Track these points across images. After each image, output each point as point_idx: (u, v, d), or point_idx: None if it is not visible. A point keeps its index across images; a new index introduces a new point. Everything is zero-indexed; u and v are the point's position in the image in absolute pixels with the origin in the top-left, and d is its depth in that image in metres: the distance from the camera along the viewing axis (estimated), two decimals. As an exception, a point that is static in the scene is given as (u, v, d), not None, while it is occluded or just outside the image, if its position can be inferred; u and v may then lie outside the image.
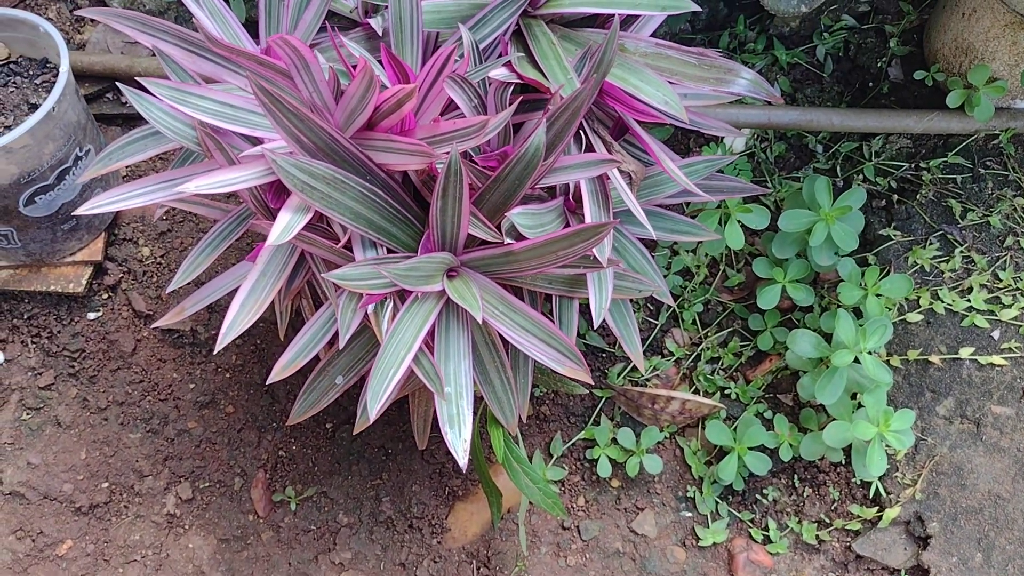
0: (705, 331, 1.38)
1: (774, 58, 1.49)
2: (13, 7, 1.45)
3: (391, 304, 0.94)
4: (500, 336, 0.98)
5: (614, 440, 1.30)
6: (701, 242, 1.31)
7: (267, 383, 0.97)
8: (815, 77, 1.49)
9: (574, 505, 1.30)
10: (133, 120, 1.43)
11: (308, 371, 1.26)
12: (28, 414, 1.31)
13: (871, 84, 1.48)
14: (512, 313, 0.93)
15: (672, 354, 1.37)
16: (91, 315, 1.34)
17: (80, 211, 0.91)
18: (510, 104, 0.91)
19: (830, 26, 1.50)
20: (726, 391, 1.35)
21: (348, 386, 1.07)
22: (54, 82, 1.23)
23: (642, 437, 1.28)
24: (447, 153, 0.84)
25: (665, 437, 1.32)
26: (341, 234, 0.94)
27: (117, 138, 1.26)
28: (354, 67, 0.96)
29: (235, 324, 0.92)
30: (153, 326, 1.02)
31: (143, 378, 1.33)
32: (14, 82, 1.23)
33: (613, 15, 1.02)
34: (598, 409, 1.33)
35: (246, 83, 0.99)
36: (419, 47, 0.98)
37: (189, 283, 1.02)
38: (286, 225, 0.87)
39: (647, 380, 1.35)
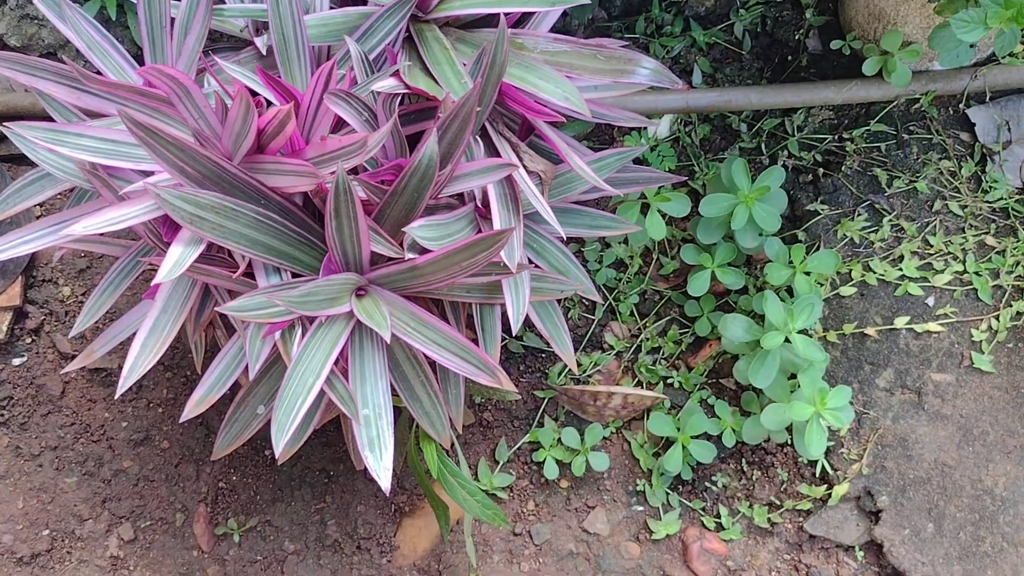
0: (643, 322, 1.36)
1: (692, 39, 1.48)
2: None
3: (299, 330, 0.92)
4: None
5: (559, 440, 1.29)
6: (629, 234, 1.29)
7: (204, 416, 0.94)
8: (734, 55, 1.48)
9: (524, 510, 1.28)
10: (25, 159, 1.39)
11: (233, 394, 1.24)
12: (-41, 468, 1.28)
13: (790, 58, 1.46)
14: (423, 328, 0.91)
15: (612, 348, 1.35)
16: (16, 361, 1.31)
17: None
18: (397, 115, 0.89)
19: (746, 2, 1.48)
20: (668, 380, 1.33)
21: (269, 415, 1.04)
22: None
23: (586, 435, 1.27)
24: (334, 173, 0.82)
25: (611, 432, 1.31)
26: (241, 261, 0.92)
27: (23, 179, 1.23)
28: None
29: (137, 364, 0.90)
30: (66, 369, 0.99)
31: (75, 420, 1.30)
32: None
33: (507, 14, 1.00)
34: (541, 411, 1.32)
35: (137, 115, 0.96)
36: (307, 63, 0.96)
37: (97, 323, 0.99)
38: (177, 259, 0.85)
39: (588, 377, 1.33)
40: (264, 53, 0.96)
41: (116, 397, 0.87)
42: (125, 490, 1.28)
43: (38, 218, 1.38)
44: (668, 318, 1.36)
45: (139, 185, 0.86)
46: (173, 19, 0.97)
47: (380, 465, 0.90)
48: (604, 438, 1.30)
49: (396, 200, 0.89)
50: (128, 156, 0.90)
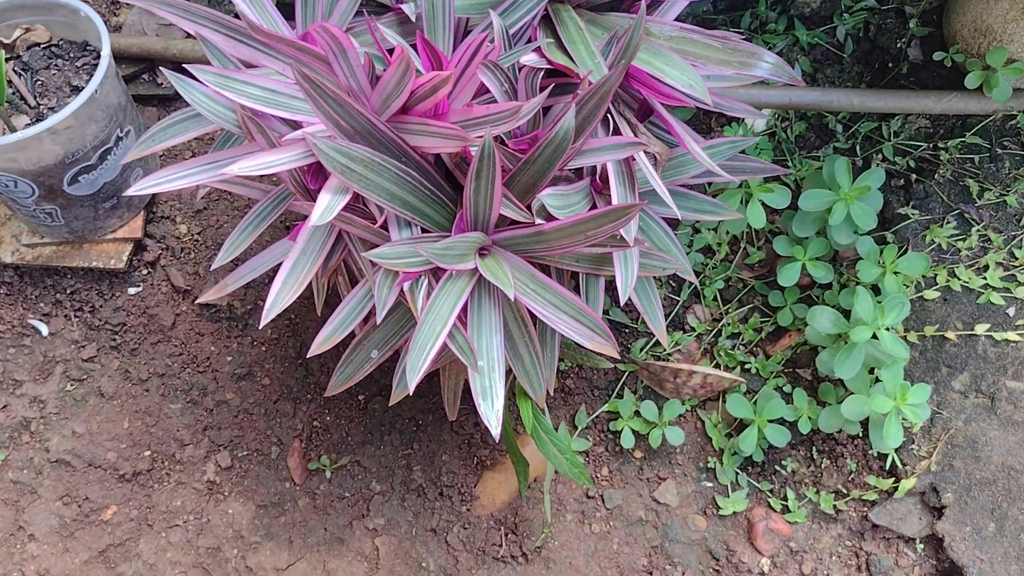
0: (726, 307, 1.41)
1: (795, 38, 1.52)
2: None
3: (426, 282, 0.98)
4: (528, 312, 1.02)
5: (636, 413, 1.35)
6: (722, 221, 1.34)
7: (305, 357, 1.01)
8: (835, 57, 1.52)
9: (598, 475, 1.35)
10: (168, 101, 1.47)
11: (343, 346, 1.31)
12: (72, 385, 1.36)
13: (891, 65, 1.50)
14: (542, 290, 0.97)
15: (693, 330, 1.40)
16: (131, 290, 1.39)
17: (132, 191, 0.95)
18: (541, 90, 0.94)
19: (850, 7, 1.52)
20: (746, 365, 1.38)
21: (382, 360, 1.11)
22: (95, 64, 1.28)
23: (664, 409, 1.33)
24: (481, 137, 0.88)
25: (686, 410, 1.36)
26: (377, 214, 0.98)
27: (153, 118, 1.31)
28: (390, 52, 1.00)
29: (278, 300, 0.96)
30: (197, 301, 1.06)
31: (182, 351, 1.38)
32: (56, 65, 1.27)
33: (640, 0, 1.05)
34: (621, 383, 1.38)
35: (283, 68, 1.02)
36: (451, 32, 1.02)
37: (229, 261, 1.06)
38: (327, 206, 0.91)
39: (669, 355, 1.39)
40: (413, 19, 1.02)
41: (259, 328, 0.93)
42: (225, 420, 1.36)
43: (161, 158, 1.45)
44: (750, 306, 1.41)
45: (298, 133, 0.92)
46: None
47: (492, 413, 0.96)
48: (680, 415, 1.35)
49: (528, 168, 0.95)
50: (284, 106, 0.96)
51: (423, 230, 0.99)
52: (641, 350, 1.38)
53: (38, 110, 1.22)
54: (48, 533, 1.30)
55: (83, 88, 1.25)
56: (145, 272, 1.39)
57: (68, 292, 1.38)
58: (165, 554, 1.29)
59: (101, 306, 1.37)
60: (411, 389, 0.90)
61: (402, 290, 0.98)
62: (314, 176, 1.01)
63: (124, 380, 1.37)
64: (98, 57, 1.28)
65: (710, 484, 1.34)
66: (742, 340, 1.40)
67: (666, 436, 1.32)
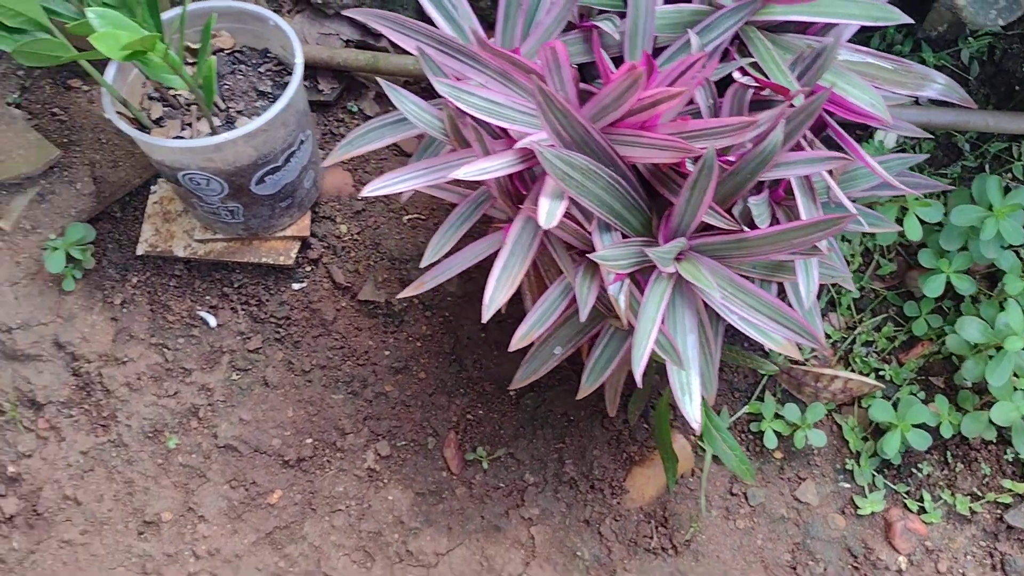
0: (860, 316, 1.47)
1: (921, 59, 1.57)
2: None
3: (624, 284, 1.05)
4: (708, 313, 1.09)
5: (776, 415, 1.41)
6: (867, 233, 1.40)
7: (510, 349, 1.07)
8: (961, 80, 1.57)
9: (739, 473, 1.41)
10: (327, 106, 1.54)
11: (495, 343, 1.38)
12: (238, 375, 1.44)
13: (1017, 88, 1.55)
14: (741, 293, 1.03)
15: (829, 337, 1.46)
16: (296, 285, 1.46)
17: (366, 192, 1.02)
18: (748, 106, 1.01)
19: (975, 31, 1.57)
20: (880, 372, 1.44)
21: (564, 356, 1.18)
22: (276, 71, 1.35)
23: (808, 412, 1.38)
24: (704, 148, 0.94)
25: (824, 414, 1.42)
26: (583, 219, 1.05)
27: (319, 124, 1.38)
28: (579, 67, 1.07)
29: (494, 298, 1.03)
30: (401, 294, 1.12)
31: (343, 344, 1.45)
32: (240, 70, 1.34)
33: (828, 24, 1.12)
34: (762, 386, 1.44)
35: (486, 80, 1.09)
36: (649, 50, 1.09)
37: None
38: (548, 210, 0.98)
39: (806, 360, 1.45)
40: (617, 37, 1.09)
41: (483, 321, 0.99)
42: (384, 411, 1.42)
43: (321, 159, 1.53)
44: (884, 315, 1.47)
45: (526, 142, 0.99)
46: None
47: (692, 408, 1.03)
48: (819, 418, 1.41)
49: (731, 179, 1.02)
50: (501, 116, 1.03)
51: (623, 235, 1.06)
52: (780, 354, 1.44)
53: (227, 113, 1.30)
54: (217, 515, 1.37)
55: (268, 93, 1.32)
56: (308, 269, 1.46)
57: (235, 286, 1.45)
58: (329, 537, 1.36)
59: (267, 300, 1.45)
60: (639, 382, 0.96)
61: (602, 290, 1.05)
62: (521, 182, 1.08)
63: (288, 371, 1.44)
64: (279, 64, 1.35)
65: (847, 485, 1.40)
66: (875, 348, 1.46)
67: (809, 438, 1.37)
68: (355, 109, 1.55)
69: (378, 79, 1.13)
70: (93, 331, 1.40)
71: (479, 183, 1.10)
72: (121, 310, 1.43)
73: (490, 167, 1.02)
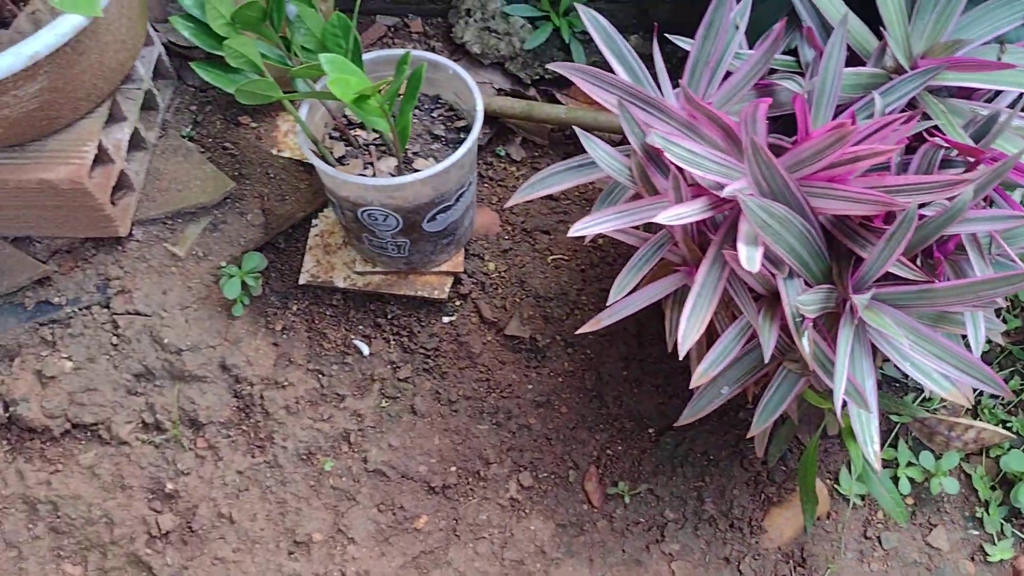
0: (986, 369, 1.52)
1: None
2: (368, 47, 1.65)
3: (808, 329, 1.10)
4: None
5: (908, 462, 1.45)
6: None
7: (691, 385, 1.13)
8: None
9: (873, 517, 1.45)
10: (478, 149, 1.61)
11: (632, 380, 1.43)
12: (388, 402, 1.49)
13: None
14: (924, 341, 1.09)
15: (957, 388, 1.51)
16: (446, 319, 1.52)
17: (574, 231, 1.09)
18: (939, 164, 1.07)
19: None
20: (1007, 424, 1.49)
21: (731, 396, 1.23)
22: (447, 116, 1.43)
23: (943, 460, 1.43)
24: (908, 203, 1.00)
25: (957, 462, 1.47)
26: (770, 266, 1.11)
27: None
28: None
29: (687, 335, 1.09)
30: (583, 329, 1.18)
31: (488, 377, 1.50)
32: (415, 114, 1.42)
33: (995, 90, 1.19)
34: (894, 433, 1.48)
35: (671, 131, 1.17)
36: (832, 108, 1.16)
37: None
38: (748, 255, 1.04)
39: (935, 410, 1.50)
40: (805, 96, 1.16)
41: (680, 358, 1.05)
42: (527, 443, 1.48)
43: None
44: (1010, 369, 1.52)
45: (731, 190, 1.06)
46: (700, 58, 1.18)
47: (872, 449, 1.08)
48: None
49: (918, 232, 1.08)
50: (699, 165, 1.10)
51: (805, 282, 1.12)
52: (913, 402, 1.49)
53: (404, 154, 1.37)
54: (366, 537, 1.42)
55: (441, 136, 1.39)
56: (458, 303, 1.53)
57: (389, 317, 1.51)
58: (473, 563, 1.41)
59: (418, 331, 1.51)
60: (840, 421, 1.02)
61: (782, 332, 1.11)
62: (709, 227, 1.15)
63: (435, 400, 1.49)
64: (450, 109, 1.43)
65: (976, 532, 1.44)
66: (1001, 399, 1.51)
67: (943, 485, 1.42)
68: (502, 153, 1.62)
69: (575, 128, 1.20)
70: (257, 355, 1.46)
71: (659, 228, 1.17)
72: (281, 336, 1.49)
73: (685, 212, 1.08)
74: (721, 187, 1.10)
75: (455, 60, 1.61)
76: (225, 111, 1.58)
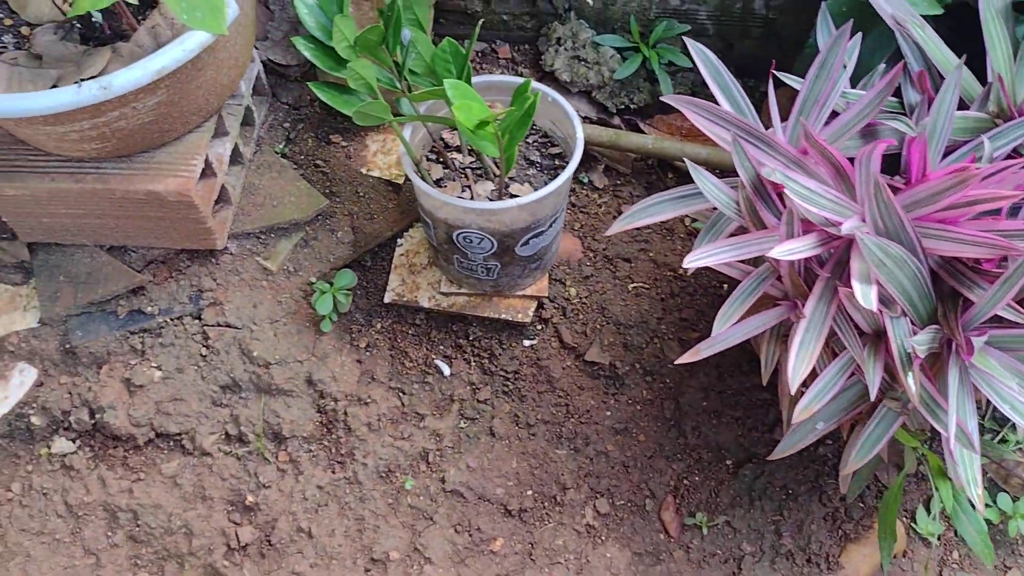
0: (1063, 413, 1.52)
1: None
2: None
3: (913, 367, 1.11)
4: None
5: (986, 504, 1.45)
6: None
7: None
8: None
9: (948, 557, 1.45)
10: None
11: (708, 411, 1.43)
12: (466, 423, 1.50)
13: None
14: (1030, 384, 1.10)
15: (1033, 431, 1.52)
16: (526, 342, 1.53)
17: (687, 263, 1.10)
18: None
19: None
20: (1084, 470, 1.49)
21: (826, 432, 1.24)
22: (542, 142, 1.44)
23: (1020, 503, 1.43)
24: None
25: (1031, 505, 1.47)
26: (880, 306, 1.12)
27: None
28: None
29: (796, 370, 1.10)
30: (680, 359, 1.19)
31: (567, 402, 1.51)
32: (505, 139, 1.44)
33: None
34: (972, 474, 1.49)
35: (779, 165, 1.18)
36: (942, 151, 1.17)
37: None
38: (864, 293, 1.05)
39: (1013, 451, 1.50)
40: (915, 136, 1.17)
41: (792, 392, 1.07)
42: (604, 470, 1.48)
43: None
44: (1087, 414, 1.52)
45: (848, 227, 1.07)
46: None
47: (975, 490, 1.08)
48: None
49: (1026, 276, 1.09)
50: (814, 202, 1.11)
51: (912, 321, 1.13)
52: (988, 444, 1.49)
53: (500, 178, 1.39)
54: (443, 557, 1.42)
55: (536, 162, 1.41)
56: (539, 327, 1.54)
57: (470, 338, 1.52)
58: (550, 588, 1.41)
59: (499, 354, 1.52)
60: (955, 459, 1.02)
61: (889, 369, 1.12)
62: (816, 263, 1.16)
63: (513, 423, 1.50)
64: (544, 136, 1.45)
65: (1053, 578, 1.44)
66: (1078, 445, 1.51)
67: (1021, 528, 1.42)
68: (585, 180, 1.64)
69: (684, 159, 1.22)
70: (342, 371, 1.47)
71: (760, 260, 1.18)
72: (365, 353, 1.50)
73: (797, 248, 1.09)
74: (831, 223, 1.11)
75: (542, 87, 1.63)
76: (317, 129, 1.60)
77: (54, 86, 1.15)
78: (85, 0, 1.11)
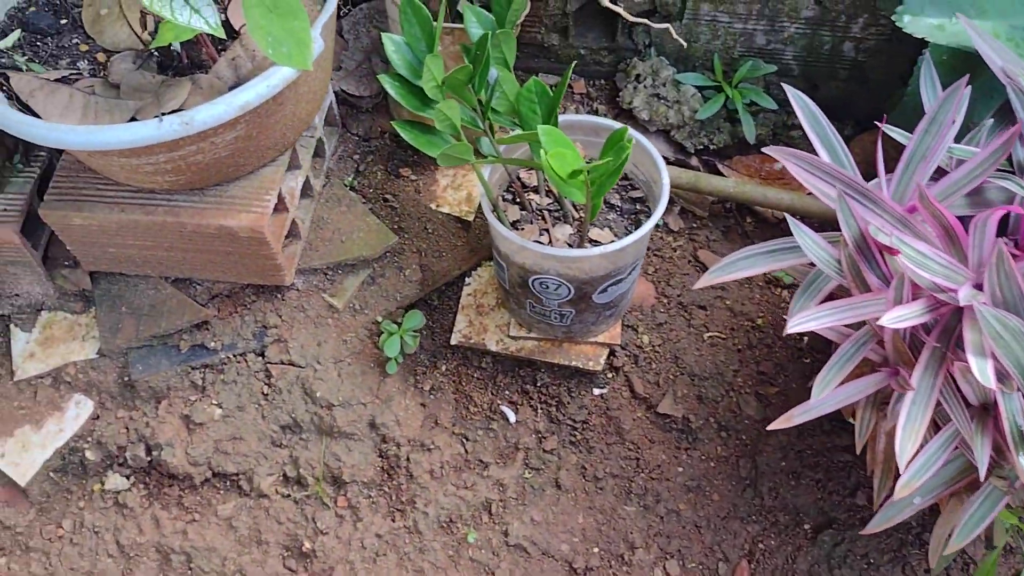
0: None
1: None
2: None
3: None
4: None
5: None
6: None
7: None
8: None
9: (1040, 639, 1.37)
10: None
11: (793, 474, 1.36)
12: (531, 473, 1.44)
13: None
14: None
15: None
16: (596, 391, 1.47)
17: (791, 328, 1.04)
18: None
19: None
20: None
21: (921, 507, 1.17)
22: (621, 185, 1.39)
23: (1122, 585, 1.35)
24: None
25: None
26: (991, 377, 1.05)
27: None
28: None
29: (903, 447, 1.03)
30: (772, 426, 1.13)
31: (636, 455, 1.45)
32: (584, 181, 1.38)
33: None
34: (1063, 550, 1.40)
35: (882, 223, 1.12)
36: (1061, 216, 1.10)
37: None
38: (980, 368, 0.98)
39: (1109, 528, 1.41)
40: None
41: (901, 470, 1.00)
42: (675, 529, 1.41)
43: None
44: None
45: (965, 296, 1.00)
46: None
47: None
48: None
49: None
50: (926, 267, 1.05)
51: (1022, 395, 1.05)
52: (1085, 520, 1.41)
53: (580, 222, 1.33)
54: (504, 614, 1.36)
55: (615, 206, 1.36)
56: (610, 375, 1.48)
57: (538, 384, 1.47)
58: (616, 653, 1.34)
59: (568, 402, 1.46)
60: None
61: (997, 446, 1.05)
62: (924, 331, 1.09)
63: (580, 475, 1.44)
64: (624, 179, 1.39)
65: None
66: None
67: (1121, 612, 1.34)
68: (660, 222, 1.58)
69: (786, 215, 1.15)
70: (406, 415, 1.42)
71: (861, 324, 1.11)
72: (429, 396, 1.45)
73: (906, 315, 1.03)
74: (942, 289, 1.05)
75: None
76: (386, 162, 1.56)
77: (133, 118, 1.11)
78: (168, 31, 1.07)
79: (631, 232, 1.35)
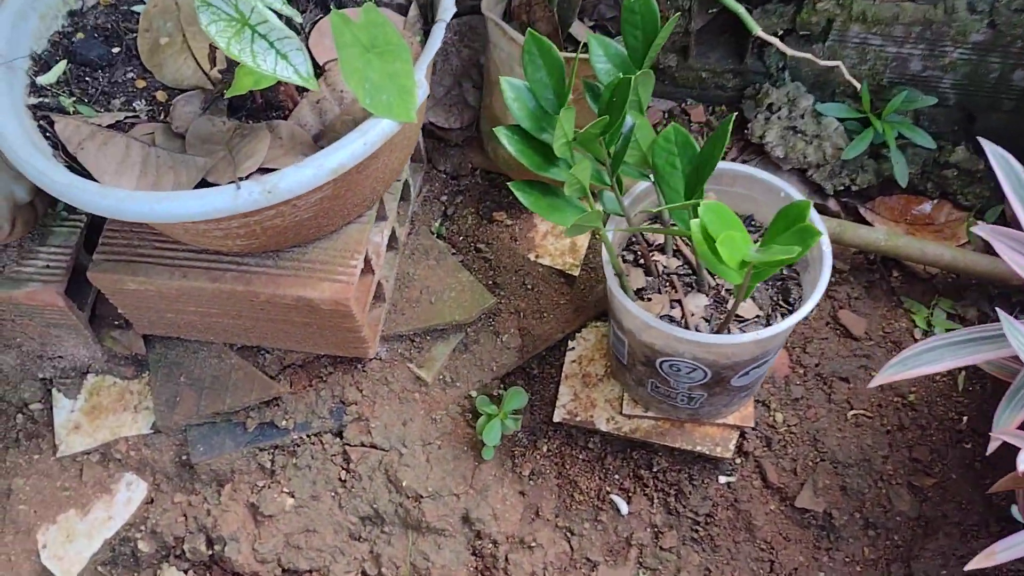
0: None
1: None
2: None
3: None
4: None
5: None
6: None
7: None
8: None
9: None
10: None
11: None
12: (646, 573, 1.24)
13: None
14: None
15: None
16: (722, 479, 1.27)
17: (998, 439, 0.83)
18: None
19: None
20: None
21: None
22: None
23: None
24: None
25: None
26: None
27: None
28: None
29: None
30: (969, 567, 0.92)
31: (769, 556, 1.24)
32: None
33: None
34: None
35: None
36: None
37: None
38: None
39: None
40: None
41: None
42: (816, 645, 1.21)
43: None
44: None
45: None
46: None
47: None
48: None
49: None
50: None
51: None
52: None
53: (716, 291, 1.13)
54: None
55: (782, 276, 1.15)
56: (738, 461, 1.27)
57: (654, 470, 1.27)
58: None
59: (689, 492, 1.26)
60: None
61: None
62: None
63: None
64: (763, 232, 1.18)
65: None
66: None
67: None
68: (795, 279, 1.37)
69: (996, 308, 0.94)
70: (504, 507, 1.23)
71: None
72: (529, 482, 1.26)
73: None
74: None
75: (745, 161, 1.36)
76: (478, 203, 1.36)
77: (203, 179, 0.92)
78: (246, 78, 0.88)
79: (776, 302, 1.14)
